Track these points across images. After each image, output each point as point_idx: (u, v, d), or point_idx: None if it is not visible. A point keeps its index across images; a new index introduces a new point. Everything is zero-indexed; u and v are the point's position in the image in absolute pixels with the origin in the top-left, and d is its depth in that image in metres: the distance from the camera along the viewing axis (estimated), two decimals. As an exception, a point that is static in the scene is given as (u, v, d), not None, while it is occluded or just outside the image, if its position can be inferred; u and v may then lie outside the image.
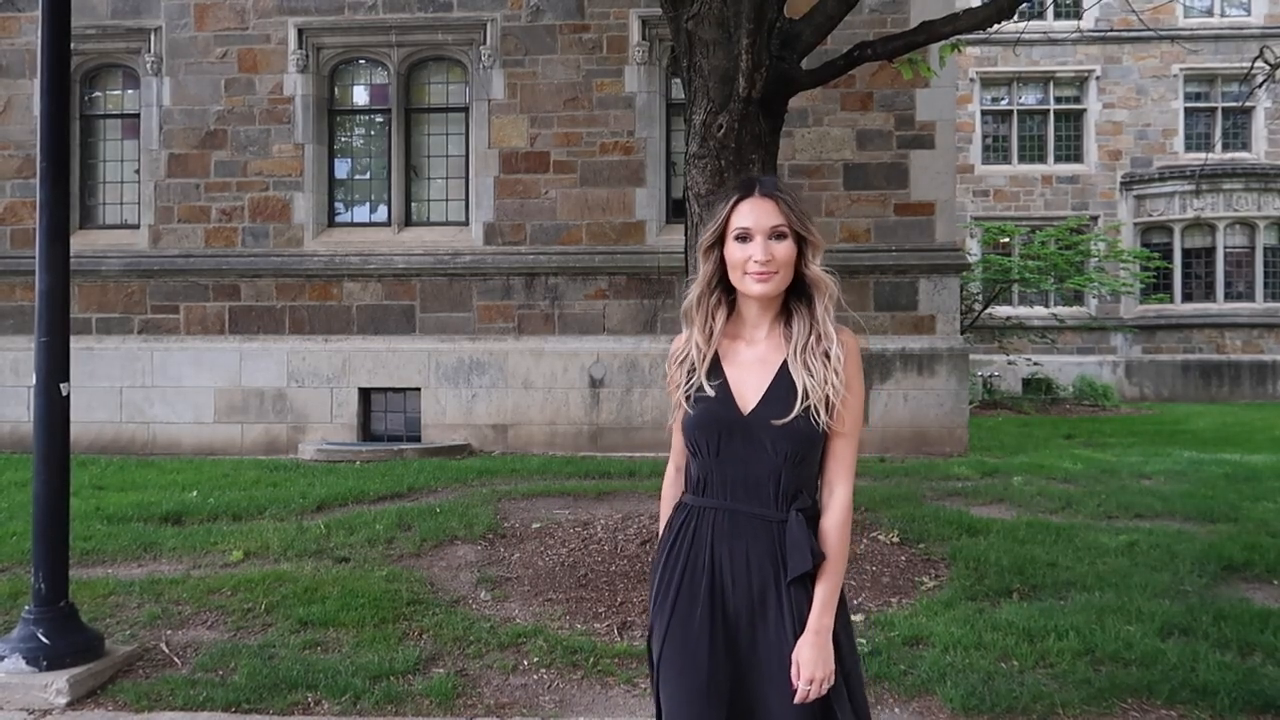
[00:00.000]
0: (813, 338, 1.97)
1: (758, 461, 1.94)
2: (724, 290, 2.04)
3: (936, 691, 3.78)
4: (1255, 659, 4.05)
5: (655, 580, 2.04)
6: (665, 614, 1.99)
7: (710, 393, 1.97)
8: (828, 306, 2.00)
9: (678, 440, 2.12)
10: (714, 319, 2.03)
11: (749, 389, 1.98)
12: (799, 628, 1.92)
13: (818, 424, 1.93)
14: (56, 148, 4.16)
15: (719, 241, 2.02)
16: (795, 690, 1.90)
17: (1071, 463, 9.06)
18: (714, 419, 1.96)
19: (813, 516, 1.98)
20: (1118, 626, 4.35)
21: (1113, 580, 5.05)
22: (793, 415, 1.92)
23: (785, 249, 1.97)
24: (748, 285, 1.97)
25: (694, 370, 2.01)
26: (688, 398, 2.00)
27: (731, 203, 2.00)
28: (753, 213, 1.97)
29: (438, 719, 3.70)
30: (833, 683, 1.92)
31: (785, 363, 1.98)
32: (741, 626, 1.95)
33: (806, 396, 1.92)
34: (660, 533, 2.13)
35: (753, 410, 1.96)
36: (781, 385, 1.96)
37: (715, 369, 2.01)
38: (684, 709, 1.94)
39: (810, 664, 1.89)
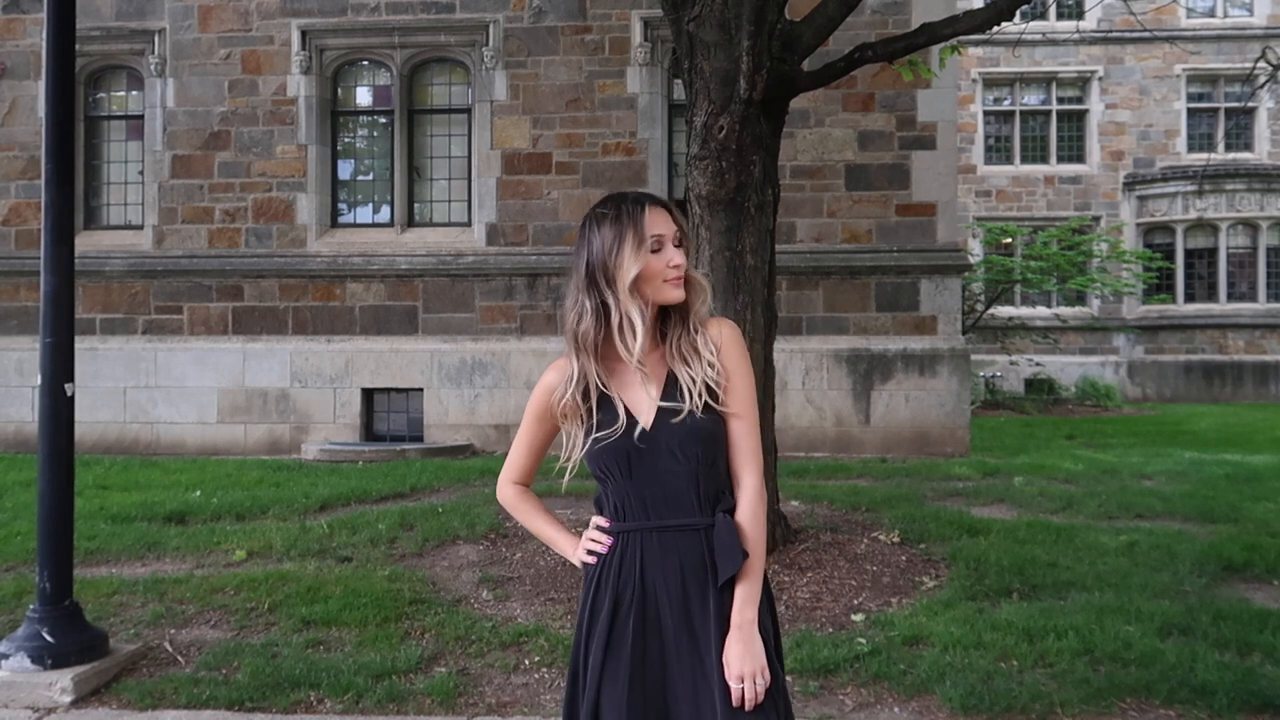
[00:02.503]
0: (680, 332, 1.98)
1: (672, 474, 1.92)
2: (602, 314, 1.97)
3: (936, 691, 3.79)
4: (1254, 659, 4.07)
5: (588, 612, 1.97)
6: (599, 652, 1.92)
7: (605, 417, 1.94)
8: (701, 307, 2.00)
9: (518, 459, 2.13)
10: (599, 342, 1.96)
11: (644, 405, 1.95)
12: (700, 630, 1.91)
13: (716, 413, 1.93)
14: (61, 150, 4.19)
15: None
16: (731, 693, 1.85)
17: (1073, 463, 9.07)
18: (619, 442, 1.92)
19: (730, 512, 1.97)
20: (1117, 626, 4.36)
21: (1112, 580, 5.06)
22: (685, 411, 1.90)
23: (683, 254, 1.98)
24: (668, 293, 1.95)
25: (587, 394, 1.96)
26: (591, 426, 1.95)
27: (640, 212, 1.96)
28: (660, 222, 1.96)
29: (439, 718, 3.72)
30: (768, 680, 1.86)
31: (669, 370, 1.98)
32: (683, 644, 1.90)
33: (690, 388, 1.92)
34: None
35: (653, 424, 1.93)
36: (671, 386, 1.95)
37: (606, 394, 1.97)
38: None
39: (738, 660, 1.85)
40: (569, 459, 1.99)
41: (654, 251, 1.94)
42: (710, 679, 1.87)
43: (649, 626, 1.91)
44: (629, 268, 1.92)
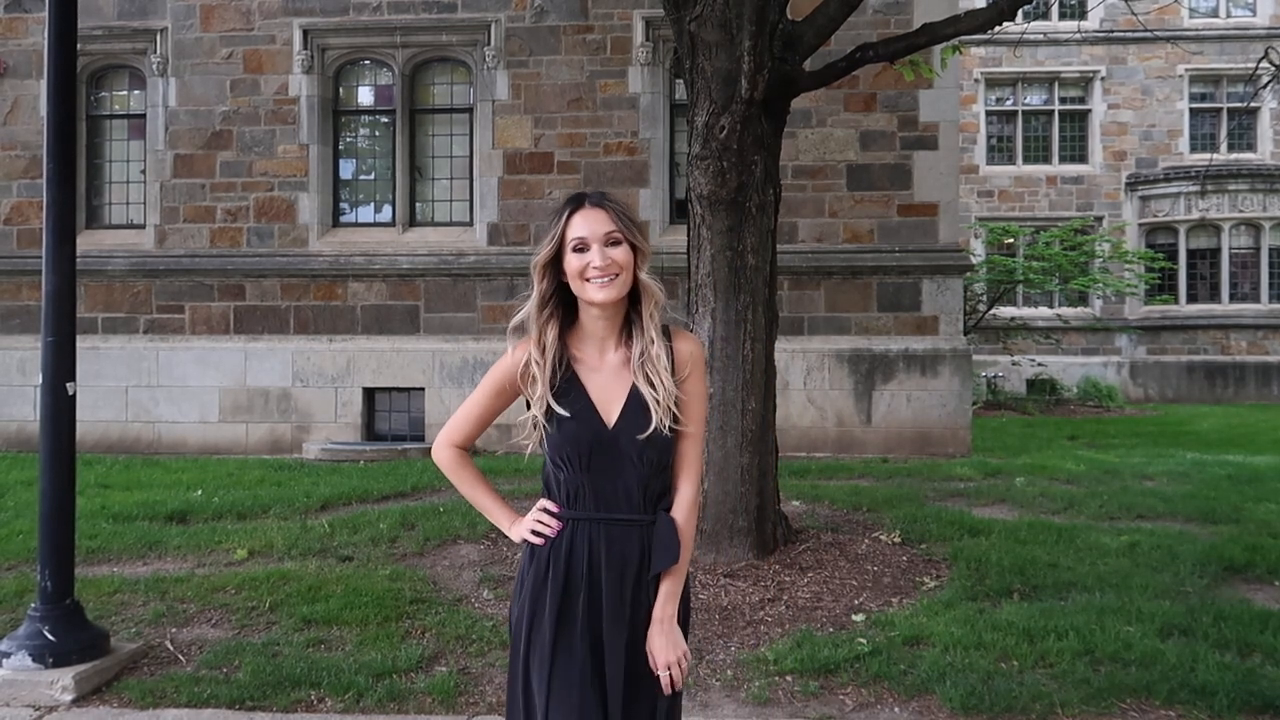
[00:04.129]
0: (643, 346, 2.05)
1: (626, 473, 2.02)
2: (557, 307, 2.08)
3: (936, 691, 3.79)
4: (1255, 659, 4.07)
5: (530, 593, 2.06)
6: (548, 635, 2.01)
7: (571, 409, 2.02)
8: (653, 313, 2.05)
9: (461, 424, 2.20)
10: (546, 334, 2.06)
11: (611, 404, 2.04)
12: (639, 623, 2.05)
13: (670, 431, 2.03)
14: (63, 150, 4.19)
15: (555, 257, 2.05)
16: (659, 680, 2.02)
17: (1074, 464, 9.06)
18: (584, 434, 2.01)
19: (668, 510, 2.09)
20: (1118, 627, 4.36)
21: (1113, 581, 5.06)
22: (651, 429, 2.00)
23: (622, 253, 2.02)
24: (590, 292, 2.01)
25: (537, 392, 2.04)
26: (548, 413, 2.03)
27: (565, 216, 2.04)
28: (586, 222, 2.02)
29: (440, 717, 3.73)
30: (688, 663, 2.05)
31: (633, 379, 2.06)
32: (617, 627, 2.02)
33: (655, 410, 2.00)
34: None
35: (616, 424, 2.02)
36: (636, 400, 2.03)
37: (573, 384, 2.05)
38: None
39: (662, 650, 2.02)
40: (529, 436, 2.07)
41: (575, 250, 2.01)
42: (640, 661, 2.03)
43: (593, 609, 2.02)
44: (537, 271, 2.06)
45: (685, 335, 2.13)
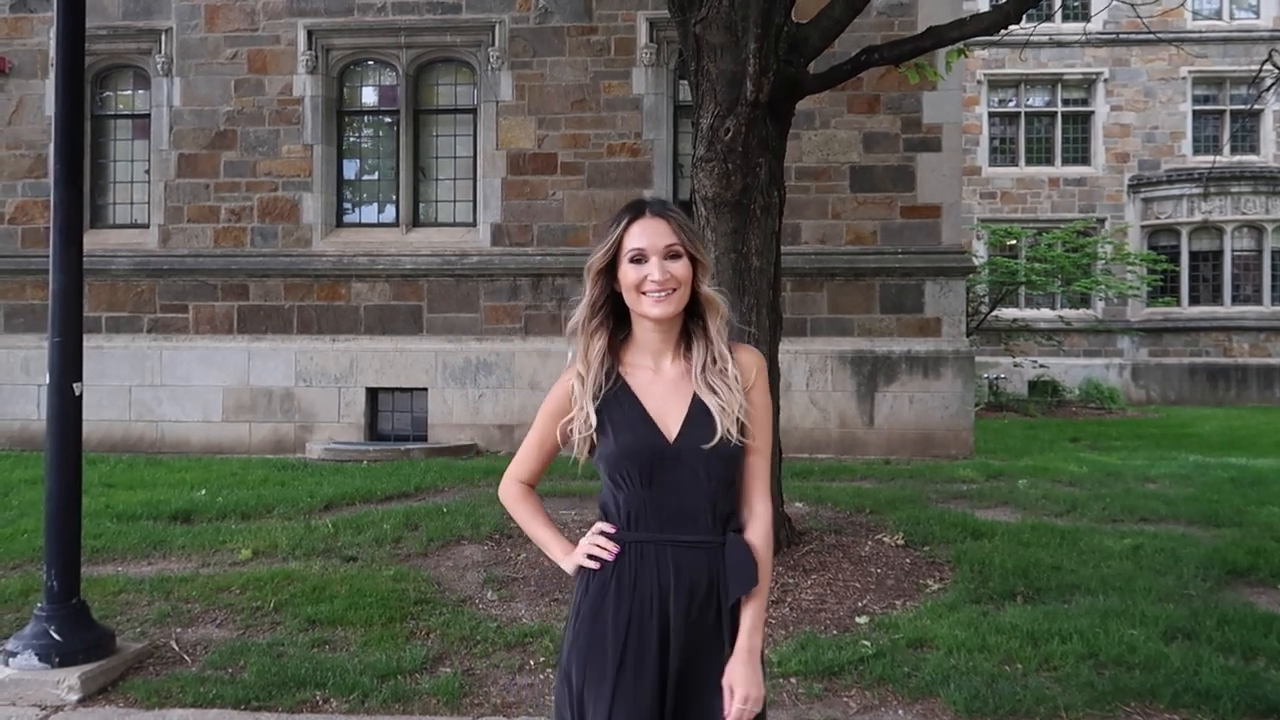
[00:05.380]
0: (709, 359, 1.95)
1: (692, 490, 1.90)
2: (608, 316, 1.99)
3: (940, 694, 3.80)
4: (1259, 663, 4.07)
5: (588, 621, 1.91)
6: (610, 667, 1.87)
7: (625, 422, 1.92)
8: (720, 327, 1.97)
9: (524, 461, 2.12)
10: (594, 343, 1.97)
11: (670, 416, 1.93)
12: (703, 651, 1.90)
13: (739, 443, 1.92)
14: (71, 150, 4.20)
15: (610, 264, 1.95)
16: (728, 713, 1.88)
17: (1077, 466, 9.06)
18: (643, 449, 1.90)
19: (739, 532, 1.97)
20: (1121, 630, 4.36)
21: (1117, 584, 5.06)
22: (717, 439, 1.89)
23: (682, 267, 1.92)
24: (645, 307, 1.92)
25: (595, 397, 1.94)
26: (600, 427, 1.93)
27: (623, 224, 1.94)
28: (645, 233, 1.92)
29: (445, 718, 3.74)
30: (761, 708, 1.90)
31: (694, 389, 1.96)
32: (688, 660, 1.89)
33: (721, 418, 1.90)
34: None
35: (678, 438, 1.91)
36: (699, 410, 1.93)
37: (625, 396, 1.95)
38: None
39: (744, 683, 1.88)
40: (579, 450, 1.97)
41: (633, 261, 1.92)
42: (714, 695, 1.89)
43: (662, 639, 1.88)
44: (591, 277, 1.98)
45: (745, 347, 2.03)
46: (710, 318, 1.97)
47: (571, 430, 1.97)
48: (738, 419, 1.91)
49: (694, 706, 1.90)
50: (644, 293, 1.91)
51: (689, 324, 1.99)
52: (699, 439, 1.90)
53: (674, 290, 1.91)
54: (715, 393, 1.92)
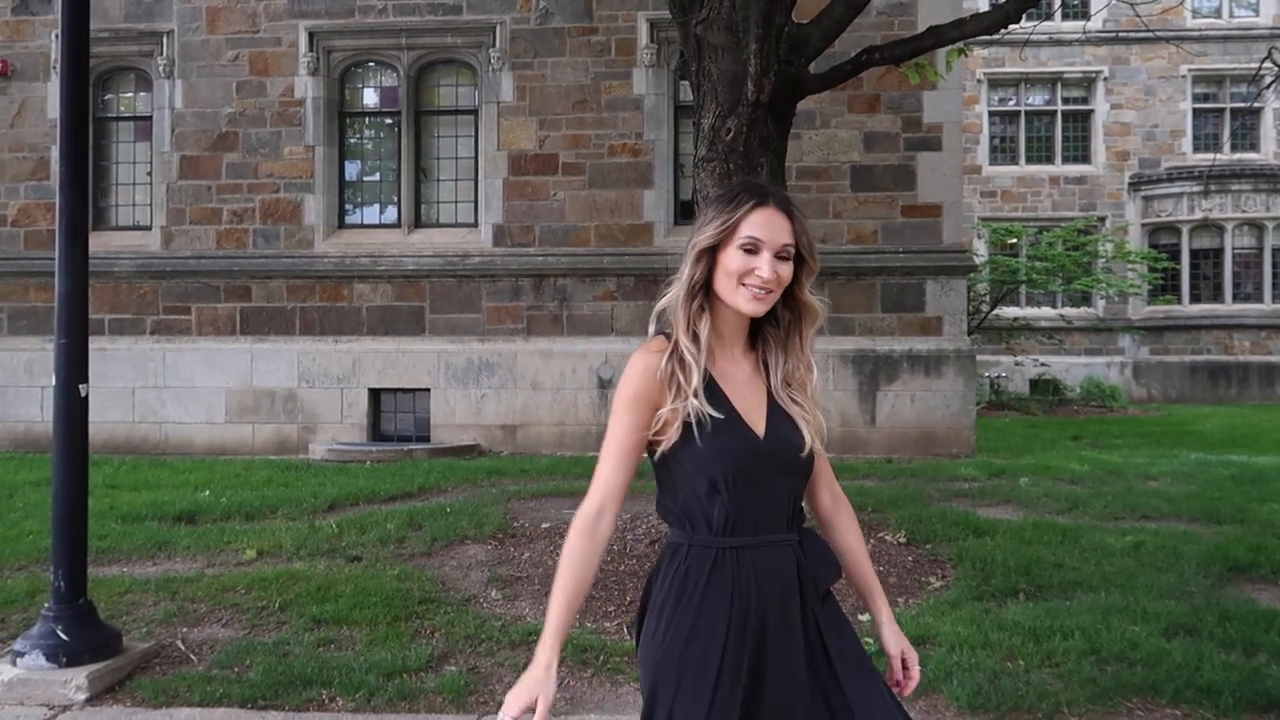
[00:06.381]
0: (794, 365, 1.90)
1: (779, 490, 1.84)
2: (707, 297, 1.85)
3: (943, 690, 3.82)
4: (1260, 659, 4.08)
5: (682, 636, 1.77)
6: (708, 680, 1.76)
7: (723, 416, 1.79)
8: (811, 337, 1.92)
9: (612, 470, 1.82)
10: (699, 326, 1.82)
11: (755, 414, 1.84)
12: (828, 637, 1.86)
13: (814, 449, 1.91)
14: (75, 153, 4.23)
15: (718, 245, 1.82)
16: (900, 683, 2.00)
17: (1078, 464, 9.08)
18: (746, 450, 1.79)
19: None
20: (1123, 626, 4.38)
21: (1118, 581, 5.08)
22: (809, 444, 1.86)
23: (788, 270, 1.84)
24: (740, 300, 1.81)
25: (682, 388, 1.78)
26: (695, 422, 1.77)
27: (746, 208, 1.81)
28: (768, 225, 1.81)
29: (450, 716, 3.76)
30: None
31: (770, 388, 1.89)
32: (795, 657, 1.83)
33: (806, 430, 1.87)
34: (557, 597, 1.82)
35: (766, 437, 1.83)
36: (778, 411, 1.87)
37: (717, 392, 1.82)
38: None
39: (909, 647, 2.04)
40: (668, 440, 1.79)
41: (744, 249, 1.80)
42: (827, 689, 1.83)
43: (759, 644, 1.80)
44: (695, 254, 1.83)
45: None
46: (806, 325, 1.91)
47: (665, 420, 1.78)
48: (818, 428, 1.89)
49: (874, 678, 1.89)
50: (744, 284, 1.81)
51: (762, 320, 1.90)
52: (785, 439, 1.84)
53: (773, 291, 1.82)
54: (798, 404, 1.88)
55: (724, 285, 1.82)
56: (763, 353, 1.92)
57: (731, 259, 1.81)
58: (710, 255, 1.83)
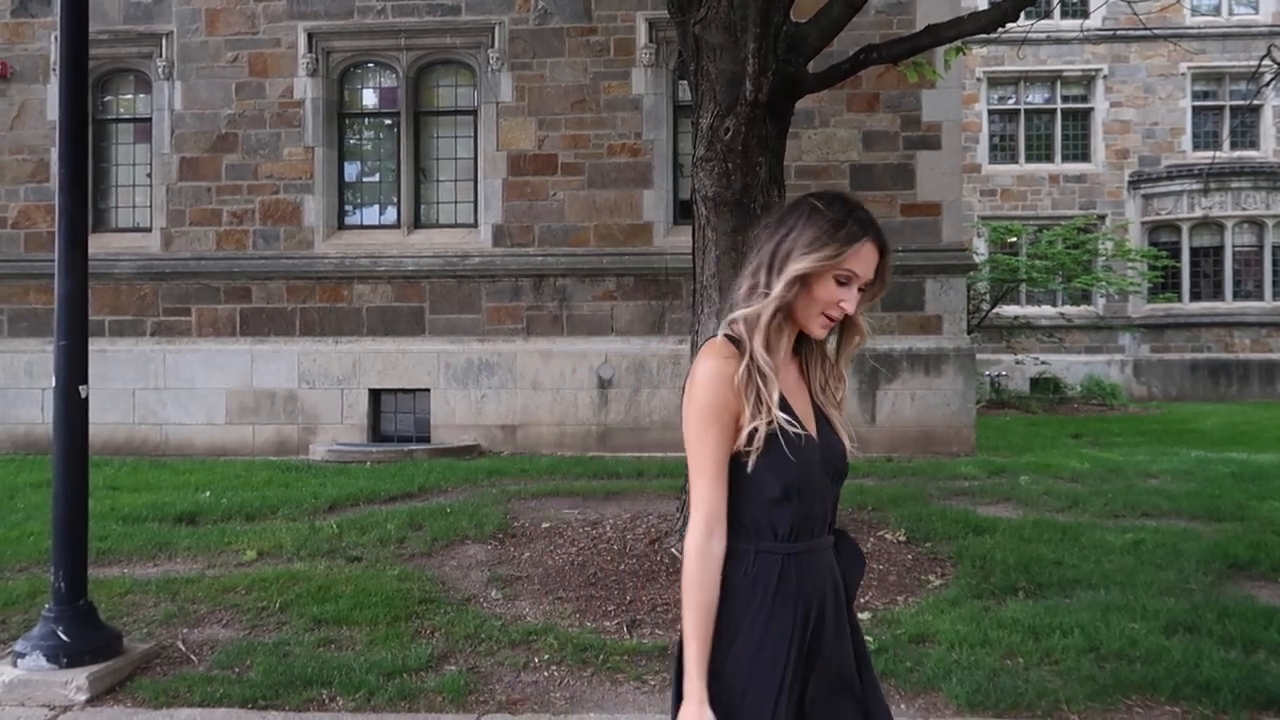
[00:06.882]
0: (830, 373, 1.93)
1: (828, 494, 1.87)
2: (787, 317, 1.84)
3: (942, 688, 3.83)
4: (1259, 656, 4.09)
5: (753, 645, 1.77)
6: (774, 687, 1.76)
7: (798, 428, 1.80)
8: (851, 355, 1.94)
9: (711, 487, 1.78)
10: (777, 342, 1.82)
11: (809, 422, 1.86)
12: (856, 636, 1.94)
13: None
14: (75, 156, 4.24)
15: (818, 271, 1.80)
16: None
17: (1078, 462, 9.08)
18: (813, 458, 1.81)
19: None
20: (1122, 624, 4.39)
21: (1118, 578, 5.09)
22: (849, 449, 1.90)
23: (859, 301, 1.87)
24: (814, 326, 1.84)
25: (762, 401, 1.77)
26: (779, 434, 1.76)
27: (857, 242, 1.80)
28: (866, 261, 1.82)
29: (450, 715, 3.77)
30: None
31: (811, 393, 1.92)
32: (844, 650, 1.88)
33: (844, 434, 1.91)
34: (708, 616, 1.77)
35: (820, 442, 1.86)
36: (822, 416, 1.90)
37: (783, 401, 1.81)
38: None
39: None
40: (754, 454, 1.76)
41: (839, 281, 1.81)
42: (856, 690, 1.89)
43: (811, 648, 1.82)
44: (797, 266, 1.79)
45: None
46: (851, 342, 1.93)
47: (749, 434, 1.76)
48: (849, 434, 1.93)
49: (844, 705, 1.87)
50: (824, 313, 1.82)
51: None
52: (833, 445, 1.88)
53: (839, 319, 1.86)
54: (839, 410, 1.93)
55: (804, 308, 1.83)
56: (805, 359, 1.93)
57: (824, 288, 1.81)
58: (804, 278, 1.81)
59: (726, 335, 1.83)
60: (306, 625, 4.62)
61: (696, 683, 1.73)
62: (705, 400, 1.77)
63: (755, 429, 1.75)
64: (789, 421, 1.77)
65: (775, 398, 1.76)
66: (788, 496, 1.78)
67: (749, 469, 1.77)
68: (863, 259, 1.81)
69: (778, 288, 1.79)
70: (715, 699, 1.75)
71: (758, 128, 5.42)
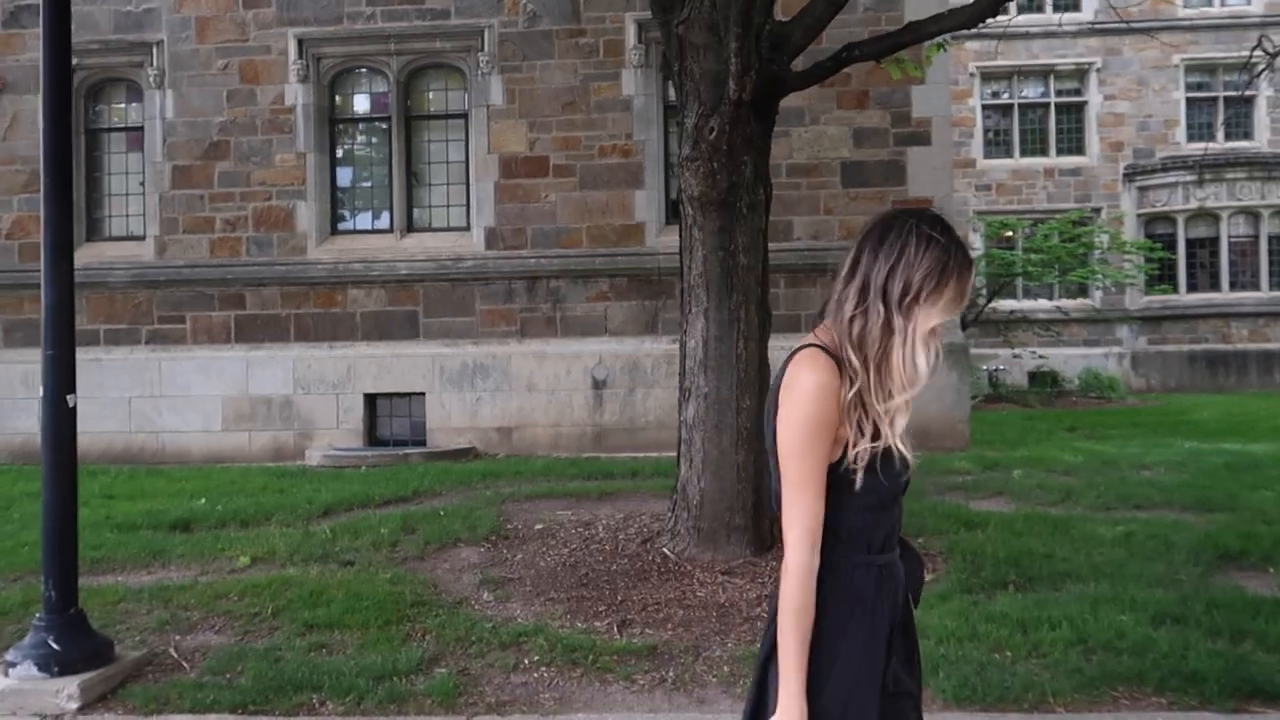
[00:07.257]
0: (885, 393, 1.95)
1: (901, 504, 1.91)
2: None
3: (930, 683, 3.82)
4: (1246, 646, 4.10)
5: (856, 654, 1.77)
6: (873, 692, 1.78)
7: (906, 450, 1.83)
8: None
9: (813, 504, 1.75)
10: (879, 358, 1.80)
11: None
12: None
13: None
14: (59, 165, 4.27)
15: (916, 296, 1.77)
16: None
17: (1072, 455, 9.10)
18: (906, 468, 1.84)
19: None
20: (1111, 616, 4.40)
21: (1108, 571, 5.10)
22: (911, 462, 1.88)
23: None
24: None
25: (862, 415, 1.76)
26: (881, 451, 1.77)
27: (969, 273, 1.80)
28: (968, 289, 1.82)
29: (439, 717, 3.78)
30: None
31: None
32: (905, 669, 1.90)
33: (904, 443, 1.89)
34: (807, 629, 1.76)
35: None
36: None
37: None
38: None
39: None
40: (860, 473, 1.75)
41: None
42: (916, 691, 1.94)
43: (898, 650, 1.86)
44: (931, 316, 1.79)
45: None
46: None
47: (857, 454, 1.75)
48: None
49: (917, 709, 1.92)
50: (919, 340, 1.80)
51: None
52: (904, 458, 1.88)
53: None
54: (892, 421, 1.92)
55: (903, 330, 1.79)
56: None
57: (929, 316, 1.78)
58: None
59: (817, 345, 1.80)
60: (298, 630, 4.64)
61: (797, 702, 1.72)
62: (813, 413, 1.74)
63: (861, 448, 1.74)
64: (900, 450, 1.77)
65: (901, 427, 1.77)
66: (885, 508, 1.81)
67: (856, 486, 1.75)
68: (966, 290, 1.81)
69: (900, 322, 1.77)
70: (824, 709, 1.75)
71: (742, 127, 5.44)
